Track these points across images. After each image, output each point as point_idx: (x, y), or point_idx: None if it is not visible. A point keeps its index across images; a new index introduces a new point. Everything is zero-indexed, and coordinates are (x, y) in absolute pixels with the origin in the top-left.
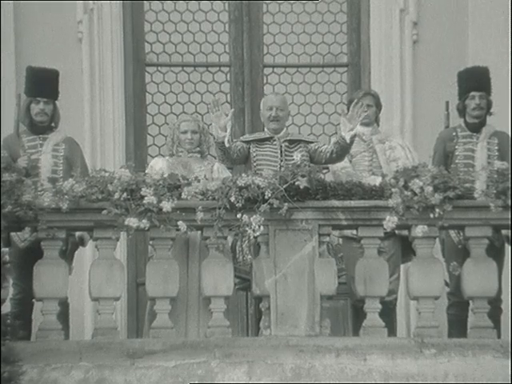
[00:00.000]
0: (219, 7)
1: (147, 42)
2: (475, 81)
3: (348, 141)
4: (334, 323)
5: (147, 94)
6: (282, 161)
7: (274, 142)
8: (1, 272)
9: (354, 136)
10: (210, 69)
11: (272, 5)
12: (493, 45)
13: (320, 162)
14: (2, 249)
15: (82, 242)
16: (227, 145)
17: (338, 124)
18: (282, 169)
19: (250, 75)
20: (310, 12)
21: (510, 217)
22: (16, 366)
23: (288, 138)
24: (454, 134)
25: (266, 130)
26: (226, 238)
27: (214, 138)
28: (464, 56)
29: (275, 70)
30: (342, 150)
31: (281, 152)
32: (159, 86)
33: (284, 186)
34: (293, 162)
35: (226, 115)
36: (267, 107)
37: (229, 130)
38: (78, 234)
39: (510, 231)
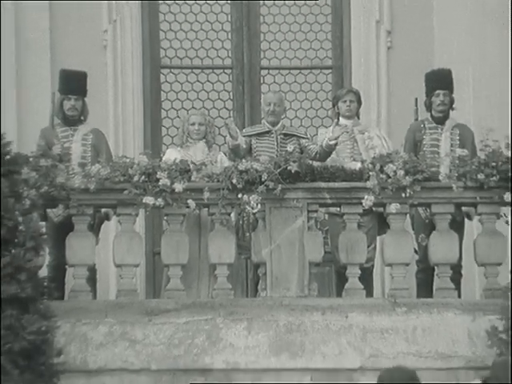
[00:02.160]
0: (223, 18)
1: (162, 48)
2: (440, 81)
3: (327, 149)
4: (320, 286)
5: (162, 92)
6: (277, 151)
7: (272, 135)
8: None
9: (335, 145)
10: (215, 71)
11: (268, 16)
12: (455, 50)
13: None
14: (40, 222)
15: (106, 217)
16: (244, 146)
17: (325, 117)
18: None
19: (249, 76)
20: (300, 22)
21: (469, 196)
22: (52, 321)
23: (283, 132)
24: (422, 125)
25: (263, 122)
26: (229, 214)
27: (229, 146)
28: (430, 60)
29: (270, 71)
30: (325, 154)
31: (277, 143)
32: (172, 85)
33: (278, 170)
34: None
35: (236, 132)
36: (266, 103)
37: (240, 137)
38: (103, 210)
39: (470, 207)
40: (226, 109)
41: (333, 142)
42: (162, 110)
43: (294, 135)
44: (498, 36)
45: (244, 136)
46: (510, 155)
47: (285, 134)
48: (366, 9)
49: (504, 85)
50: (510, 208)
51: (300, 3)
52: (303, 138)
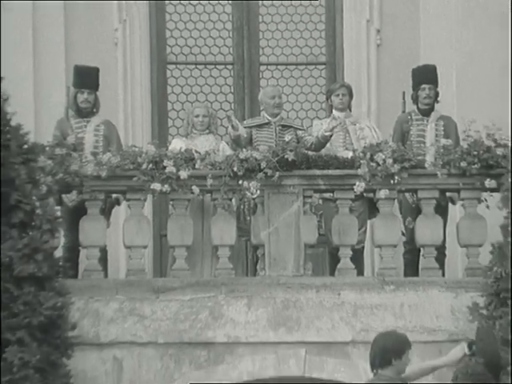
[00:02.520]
0: (225, 18)
1: (168, 45)
2: (425, 76)
3: (323, 140)
4: (314, 266)
5: (168, 86)
6: (276, 141)
7: (271, 126)
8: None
9: (330, 137)
10: (217, 66)
11: (266, 16)
12: (440, 47)
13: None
14: (55, 207)
15: (117, 202)
16: (245, 135)
17: (319, 109)
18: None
19: (249, 72)
20: (296, 21)
21: (453, 182)
22: (66, 298)
23: (282, 123)
24: (409, 117)
25: (262, 114)
26: (230, 199)
27: (231, 137)
28: (417, 56)
29: (269, 67)
30: (320, 144)
31: (275, 134)
32: (177, 80)
33: (276, 159)
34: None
35: (237, 124)
36: (270, 96)
37: (241, 128)
38: (114, 195)
39: (454, 193)
40: (228, 102)
41: (328, 134)
42: (168, 103)
43: (291, 126)
44: (481, 33)
45: (245, 127)
46: (492, 145)
47: (283, 126)
48: (357, 9)
49: (485, 79)
50: (490, 193)
51: (296, 3)
52: (300, 129)
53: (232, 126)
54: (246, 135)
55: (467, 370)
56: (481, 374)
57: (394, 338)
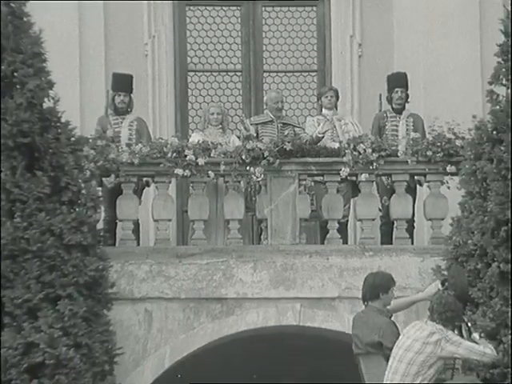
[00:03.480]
0: (235, 34)
1: (188, 56)
2: (398, 81)
3: (316, 139)
4: (308, 236)
5: (188, 89)
6: (277, 136)
7: (273, 124)
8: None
9: (321, 137)
10: (228, 73)
11: (269, 33)
12: (410, 58)
13: None
14: (97, 188)
15: (147, 184)
16: (254, 134)
17: (311, 109)
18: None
19: (255, 77)
20: (293, 37)
21: (420, 168)
22: (106, 261)
23: (283, 121)
24: (385, 115)
25: (266, 112)
26: (239, 182)
27: (244, 135)
28: (391, 65)
29: (270, 74)
30: (313, 142)
31: (277, 130)
32: (196, 84)
33: (276, 149)
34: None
35: (248, 125)
36: (274, 101)
37: (251, 128)
38: (144, 179)
39: (421, 177)
40: (237, 102)
41: (321, 135)
42: (188, 103)
43: (290, 124)
44: (444, 46)
45: (252, 124)
46: (452, 137)
47: (283, 123)
48: (342, 27)
49: (447, 83)
50: (450, 177)
51: (293, 22)
52: (297, 127)
53: (244, 128)
54: (254, 134)
55: (441, 301)
56: (452, 303)
57: (381, 277)
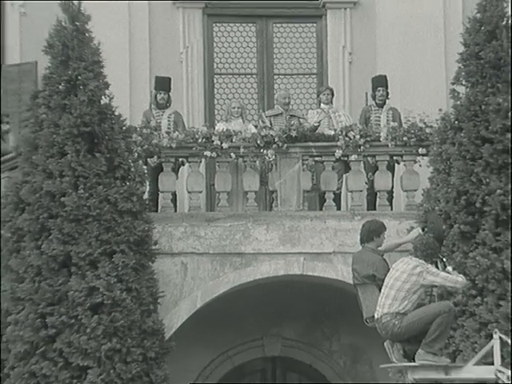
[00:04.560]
0: (251, 44)
1: (215, 62)
2: (380, 82)
3: (314, 128)
4: (310, 204)
5: (214, 88)
6: (286, 126)
7: (283, 116)
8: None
9: (318, 126)
10: (246, 76)
11: (278, 44)
12: (390, 63)
13: None
14: (143, 166)
15: (182, 164)
16: (269, 125)
17: (312, 104)
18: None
19: (267, 79)
20: (297, 47)
21: (398, 150)
22: (151, 224)
23: (290, 114)
24: (370, 108)
25: (277, 107)
26: (255, 161)
27: (261, 127)
28: (375, 69)
29: (280, 76)
30: (313, 129)
31: (286, 121)
32: (221, 84)
33: (284, 135)
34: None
35: (265, 118)
36: (283, 98)
37: (267, 122)
38: (180, 159)
39: (399, 157)
40: (253, 98)
41: (317, 124)
42: (215, 99)
43: (296, 116)
44: (417, 55)
45: (266, 117)
46: (423, 126)
47: (291, 115)
48: (336, 39)
49: (419, 84)
50: (422, 157)
51: (297, 35)
52: (301, 118)
53: (262, 121)
54: (269, 125)
55: (422, 242)
56: (431, 243)
57: (375, 224)
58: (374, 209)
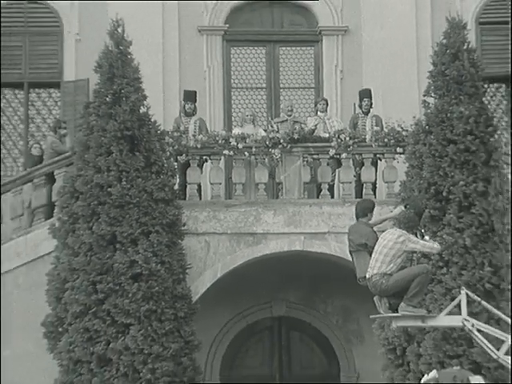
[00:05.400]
0: (262, 64)
1: (232, 79)
2: (365, 94)
3: (311, 131)
4: (309, 193)
5: (231, 100)
6: (289, 130)
7: (287, 122)
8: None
9: (314, 129)
10: (257, 89)
11: (283, 63)
12: (374, 80)
13: None
14: (174, 162)
15: (206, 161)
16: (276, 129)
17: (311, 112)
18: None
19: (274, 92)
20: (298, 65)
21: (380, 149)
22: (180, 210)
23: (293, 120)
24: (358, 116)
25: (283, 115)
26: (264, 159)
27: (269, 130)
28: (361, 84)
29: (284, 89)
30: (311, 132)
31: (290, 126)
32: (237, 96)
33: (288, 138)
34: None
35: (273, 124)
36: (288, 106)
37: (275, 126)
38: (204, 157)
39: (381, 155)
40: (263, 108)
41: (314, 128)
42: (232, 110)
43: (298, 121)
44: (396, 72)
45: (274, 123)
46: (400, 130)
47: (294, 121)
48: (330, 59)
49: (398, 96)
50: (399, 155)
51: (299, 57)
52: (302, 123)
53: (271, 126)
54: (276, 129)
55: (405, 216)
56: (412, 217)
57: (368, 202)
58: (361, 197)
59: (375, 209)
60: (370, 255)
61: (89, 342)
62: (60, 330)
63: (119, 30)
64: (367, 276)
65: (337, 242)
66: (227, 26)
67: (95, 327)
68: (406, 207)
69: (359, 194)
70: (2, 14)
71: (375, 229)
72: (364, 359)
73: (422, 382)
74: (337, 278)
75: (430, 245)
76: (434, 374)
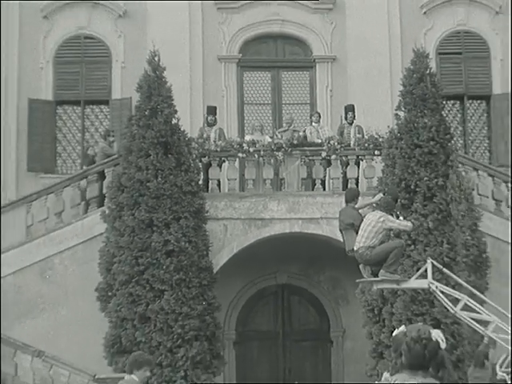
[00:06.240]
0: (267, 85)
1: (244, 97)
2: (350, 108)
3: (308, 138)
4: (305, 187)
5: (244, 113)
6: (290, 137)
7: (288, 131)
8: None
9: (305, 137)
10: (264, 105)
11: (284, 85)
12: (356, 97)
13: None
14: (198, 162)
15: (224, 161)
16: (280, 137)
17: (307, 124)
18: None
19: (278, 107)
20: (296, 86)
21: (362, 152)
22: (204, 200)
23: (293, 129)
24: (344, 126)
25: (284, 125)
26: (271, 159)
27: (274, 137)
28: (346, 99)
29: (286, 105)
30: (309, 143)
31: (291, 134)
32: (248, 110)
33: (289, 143)
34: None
35: (278, 134)
36: (289, 119)
37: (278, 135)
38: (222, 158)
39: (363, 156)
40: (268, 120)
41: (304, 134)
42: (244, 120)
43: (297, 131)
44: (374, 92)
45: (279, 132)
46: (378, 137)
47: (293, 130)
48: (322, 81)
49: (377, 109)
50: (377, 156)
51: (297, 80)
52: (300, 132)
53: (276, 135)
54: (281, 137)
55: (384, 201)
56: (390, 202)
57: (354, 190)
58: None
59: (359, 197)
60: (356, 232)
61: (132, 304)
62: (109, 294)
63: (155, 58)
64: (355, 248)
65: (328, 226)
66: (240, 55)
67: (137, 292)
68: (384, 194)
69: (345, 187)
70: (64, 47)
71: (360, 211)
72: (349, 317)
73: (394, 334)
74: (327, 254)
75: (404, 223)
76: (402, 328)
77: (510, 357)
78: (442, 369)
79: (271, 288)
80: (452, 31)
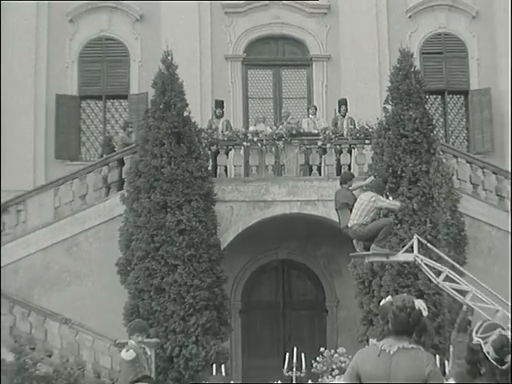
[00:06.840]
0: (269, 81)
1: (248, 92)
2: (343, 102)
3: (306, 129)
4: (303, 172)
5: (248, 107)
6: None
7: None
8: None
9: (300, 127)
10: (266, 99)
11: (284, 83)
12: (348, 91)
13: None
14: (208, 151)
15: (230, 150)
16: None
17: (305, 116)
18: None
19: (279, 102)
20: (295, 83)
21: (354, 141)
22: (212, 184)
23: (294, 123)
24: (337, 117)
25: (283, 117)
26: (272, 148)
27: (275, 127)
28: (340, 95)
29: (286, 99)
30: (306, 133)
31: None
32: (252, 104)
33: (289, 133)
34: None
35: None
36: (286, 113)
37: (280, 126)
38: (229, 147)
39: (354, 145)
40: (270, 112)
41: (306, 126)
42: (248, 112)
43: (295, 123)
44: (366, 87)
45: (279, 124)
46: (368, 128)
47: (295, 124)
48: (319, 79)
49: (366, 103)
50: (367, 145)
51: (296, 77)
52: (298, 123)
53: (276, 126)
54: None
55: (375, 183)
56: (380, 184)
57: (348, 173)
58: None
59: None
60: (350, 211)
61: (149, 277)
62: (128, 268)
63: (169, 58)
64: (349, 226)
65: (323, 207)
66: (245, 54)
67: (153, 267)
68: (375, 177)
69: (339, 172)
70: (88, 48)
71: (354, 192)
72: (342, 289)
73: (381, 303)
74: (323, 233)
75: (393, 202)
76: (389, 298)
77: (485, 323)
78: (424, 334)
79: (273, 263)
80: (434, 33)
